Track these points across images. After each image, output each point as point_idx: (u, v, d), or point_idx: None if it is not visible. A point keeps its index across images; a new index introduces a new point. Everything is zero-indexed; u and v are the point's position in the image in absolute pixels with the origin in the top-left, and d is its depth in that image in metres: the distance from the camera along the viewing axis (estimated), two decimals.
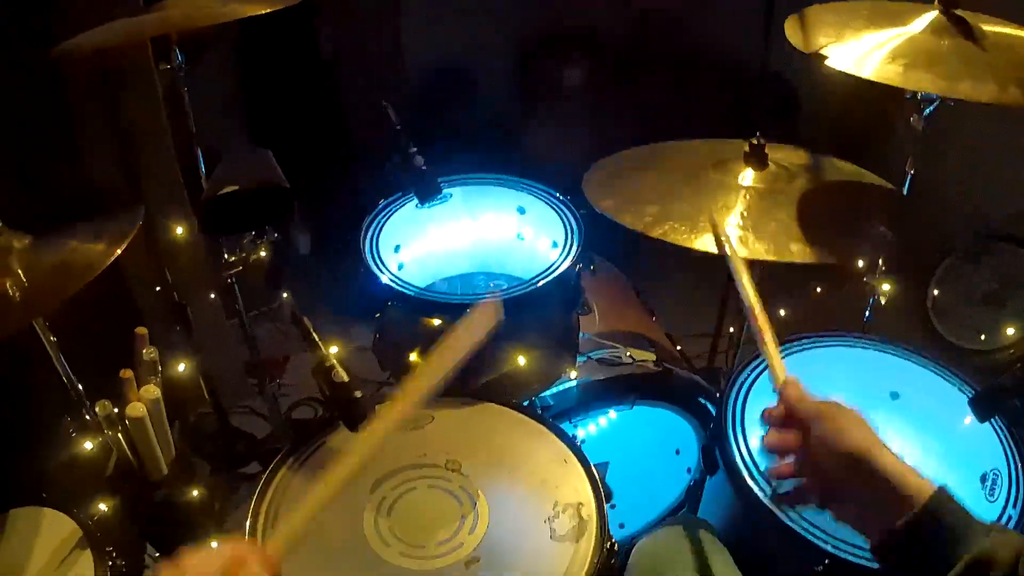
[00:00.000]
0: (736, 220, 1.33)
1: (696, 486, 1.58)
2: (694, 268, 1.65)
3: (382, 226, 1.57)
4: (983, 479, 1.25)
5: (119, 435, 1.18)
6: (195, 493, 1.29)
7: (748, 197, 1.37)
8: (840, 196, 1.48)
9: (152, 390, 1.18)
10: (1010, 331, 1.51)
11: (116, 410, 1.16)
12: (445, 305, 1.44)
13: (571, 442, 1.27)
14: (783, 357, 1.41)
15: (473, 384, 1.45)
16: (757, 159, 1.42)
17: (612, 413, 1.66)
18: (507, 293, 1.42)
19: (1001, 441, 1.26)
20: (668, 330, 1.98)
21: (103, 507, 1.21)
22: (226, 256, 1.57)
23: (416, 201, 1.58)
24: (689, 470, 1.77)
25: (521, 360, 1.47)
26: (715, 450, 1.33)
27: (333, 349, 1.25)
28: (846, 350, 1.46)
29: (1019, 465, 1.23)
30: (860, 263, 1.73)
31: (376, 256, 1.49)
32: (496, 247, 1.77)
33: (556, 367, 1.57)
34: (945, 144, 1.89)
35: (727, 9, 2.88)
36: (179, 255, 1.77)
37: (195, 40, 1.55)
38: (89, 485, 1.21)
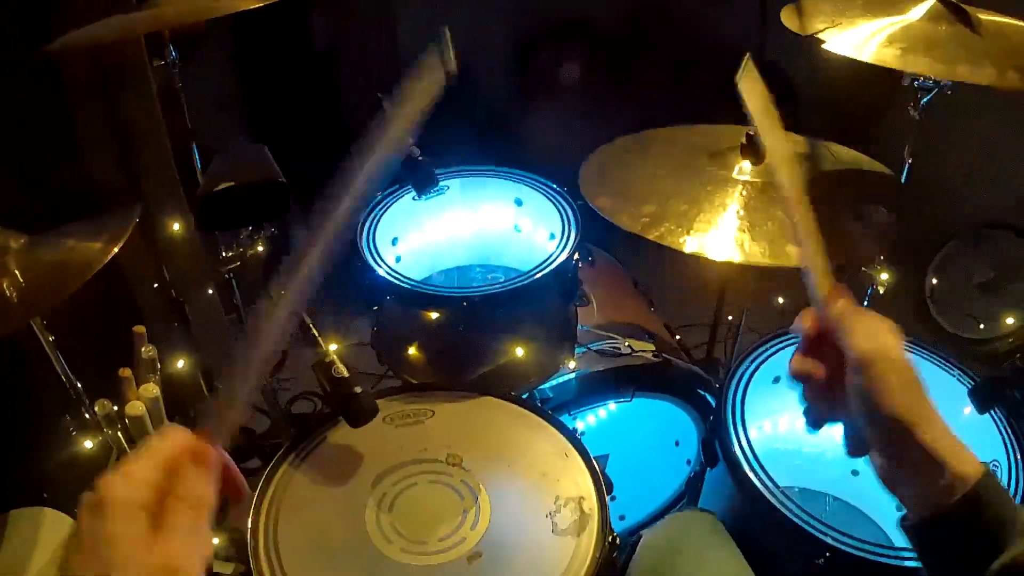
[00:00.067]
0: (733, 220, 1.31)
1: (696, 478, 1.58)
2: (692, 258, 1.64)
3: (379, 219, 1.56)
4: None
5: (119, 434, 1.17)
6: None
7: (745, 193, 1.36)
8: (840, 186, 1.47)
9: (151, 388, 1.17)
10: (1009, 320, 1.51)
11: (115, 408, 1.16)
12: (442, 298, 1.44)
13: (571, 435, 1.27)
14: (781, 349, 1.44)
15: (472, 376, 1.45)
16: (753, 152, 1.41)
17: (611, 405, 1.66)
18: (505, 285, 1.42)
19: (1001, 432, 1.27)
20: (666, 320, 1.98)
21: None
22: (223, 252, 1.57)
23: (413, 193, 1.57)
24: (689, 461, 1.77)
25: (520, 352, 1.47)
26: (715, 442, 1.33)
27: (332, 345, 1.25)
28: None
29: (1019, 456, 1.24)
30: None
31: (373, 249, 1.48)
32: (494, 239, 1.77)
33: (555, 359, 1.57)
34: (942, 133, 1.89)
35: None
36: (176, 252, 1.77)
37: (189, 36, 1.54)
38: (89, 485, 1.21)
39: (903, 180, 1.62)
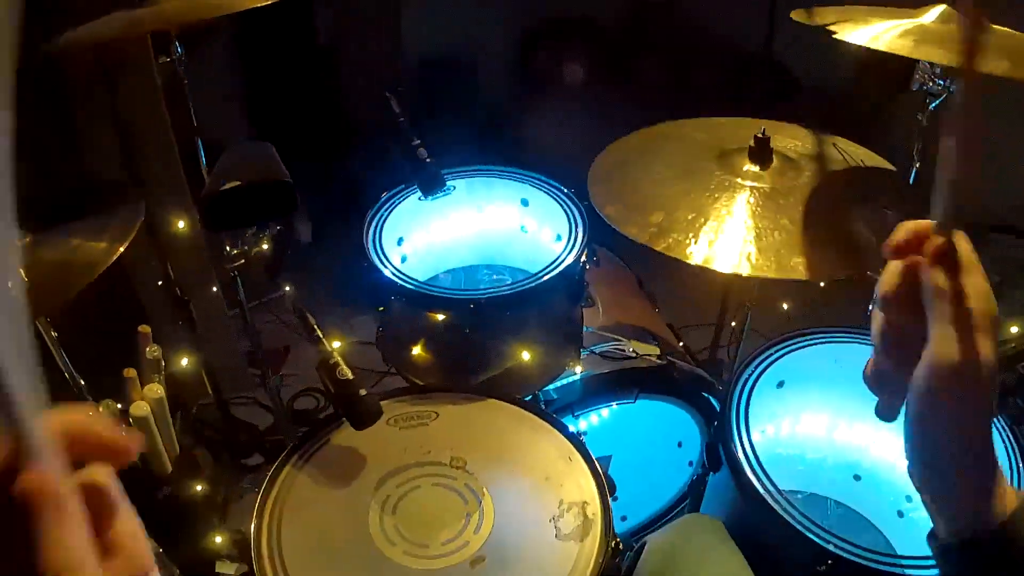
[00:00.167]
0: (740, 230, 1.29)
1: (698, 481, 1.58)
2: None
3: (385, 219, 1.56)
4: None
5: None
6: (199, 489, 1.29)
7: (753, 200, 1.34)
8: (849, 189, 1.46)
9: (156, 389, 1.18)
10: (1014, 329, 1.51)
11: (120, 407, 1.16)
12: (448, 300, 1.43)
13: (575, 438, 1.26)
14: (787, 353, 1.43)
15: (476, 379, 1.45)
16: (762, 155, 1.41)
17: (615, 406, 1.66)
18: (512, 288, 1.41)
19: (1004, 441, 1.26)
20: (670, 321, 1.98)
21: None
22: (228, 249, 1.56)
23: (419, 193, 1.57)
24: (691, 463, 1.77)
25: (525, 355, 1.47)
26: (719, 446, 1.33)
27: (336, 344, 1.25)
28: (848, 346, 1.46)
29: (1020, 465, 1.24)
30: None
31: (379, 249, 1.48)
32: (499, 239, 1.77)
33: (560, 361, 1.57)
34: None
35: None
36: (181, 249, 1.76)
37: (194, 31, 1.53)
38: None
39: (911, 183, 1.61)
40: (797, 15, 1.46)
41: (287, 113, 2.61)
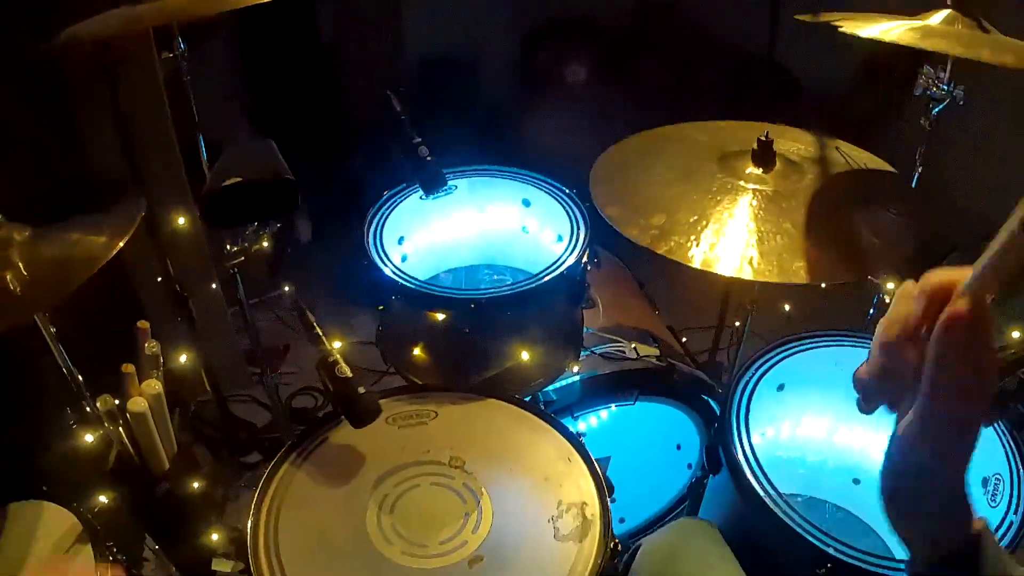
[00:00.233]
0: (742, 233, 1.28)
1: (697, 483, 1.58)
2: None
3: (386, 217, 1.56)
4: (984, 483, 1.25)
5: (120, 429, 1.17)
6: (196, 486, 1.28)
7: (755, 203, 1.34)
8: (851, 192, 1.46)
9: (154, 385, 1.17)
10: (1016, 334, 1.50)
11: (117, 403, 1.16)
12: (448, 299, 1.43)
13: (575, 439, 1.26)
14: (787, 356, 1.43)
15: (476, 379, 1.45)
16: (765, 158, 1.40)
17: (615, 407, 1.66)
18: (512, 288, 1.41)
19: (1004, 445, 1.26)
20: (670, 323, 1.98)
21: (104, 500, 1.21)
22: (228, 247, 1.56)
23: (420, 192, 1.56)
24: (690, 465, 1.77)
25: (525, 355, 1.46)
26: (719, 449, 1.33)
27: (336, 343, 1.24)
28: (848, 349, 1.45)
29: (1021, 470, 1.23)
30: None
31: (380, 248, 1.48)
32: (501, 239, 1.76)
33: (560, 362, 1.56)
34: (951, 142, 1.88)
35: None
36: (181, 246, 1.76)
37: (196, 27, 1.53)
38: (90, 479, 1.21)
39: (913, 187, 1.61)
40: (802, 17, 1.45)
41: (288, 112, 2.61)
